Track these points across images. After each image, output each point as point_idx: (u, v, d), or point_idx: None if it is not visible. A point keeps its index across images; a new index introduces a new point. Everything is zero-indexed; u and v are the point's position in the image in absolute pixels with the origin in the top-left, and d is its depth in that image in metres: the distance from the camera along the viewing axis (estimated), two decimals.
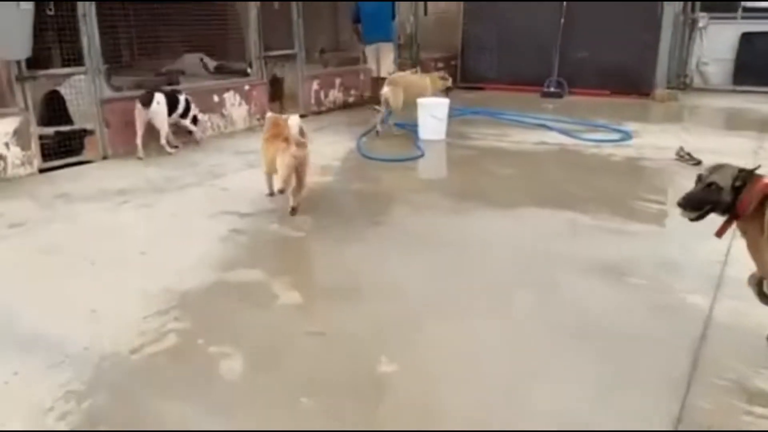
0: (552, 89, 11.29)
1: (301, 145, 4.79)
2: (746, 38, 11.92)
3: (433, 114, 7.78)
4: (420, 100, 7.96)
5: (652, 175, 6.31)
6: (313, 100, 9.73)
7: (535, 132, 8.33)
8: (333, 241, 4.49)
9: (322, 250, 4.41)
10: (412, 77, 8.71)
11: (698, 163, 6.50)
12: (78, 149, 6.71)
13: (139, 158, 6.81)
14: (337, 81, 10.19)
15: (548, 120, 8.98)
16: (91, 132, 6.78)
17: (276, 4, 8.80)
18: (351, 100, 10.56)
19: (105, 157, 6.79)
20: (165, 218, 4.94)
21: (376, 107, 9.52)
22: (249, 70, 8.80)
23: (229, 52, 10.59)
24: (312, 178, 5.36)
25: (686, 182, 3.19)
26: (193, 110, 7.55)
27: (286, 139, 4.76)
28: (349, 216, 5.04)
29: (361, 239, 4.52)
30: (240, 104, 8.38)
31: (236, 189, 5.75)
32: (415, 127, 8.05)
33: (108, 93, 6.88)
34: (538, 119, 9.07)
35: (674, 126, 8.71)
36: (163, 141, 7.07)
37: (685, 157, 6.65)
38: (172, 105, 7.15)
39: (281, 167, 4.78)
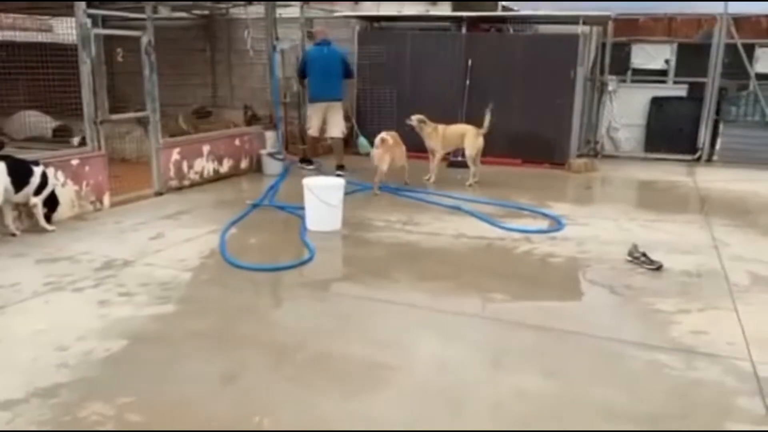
0: (460, 158, 9.88)
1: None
2: (656, 103, 11.23)
3: (324, 199, 6.04)
4: (306, 181, 6.21)
5: (613, 294, 4.83)
6: (172, 173, 7.72)
7: (449, 217, 6.77)
8: None
9: None
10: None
11: (658, 267, 5.14)
12: None
13: None
14: (206, 149, 8.26)
15: (462, 199, 7.51)
16: None
17: (119, 56, 6.84)
18: (224, 170, 8.64)
19: None
20: None
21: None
22: None
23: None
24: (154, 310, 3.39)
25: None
26: (50, 186, 5.86)
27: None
28: (183, 412, 3.09)
29: None
30: (64, 184, 6.24)
31: (14, 339, 3.66)
32: (299, 210, 6.29)
33: None
34: (450, 197, 7.59)
35: (606, 207, 7.47)
36: None
37: (640, 259, 5.27)
38: (21, 178, 5.57)
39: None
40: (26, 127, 9.29)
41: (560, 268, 5.21)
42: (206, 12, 12.49)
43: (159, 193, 7.52)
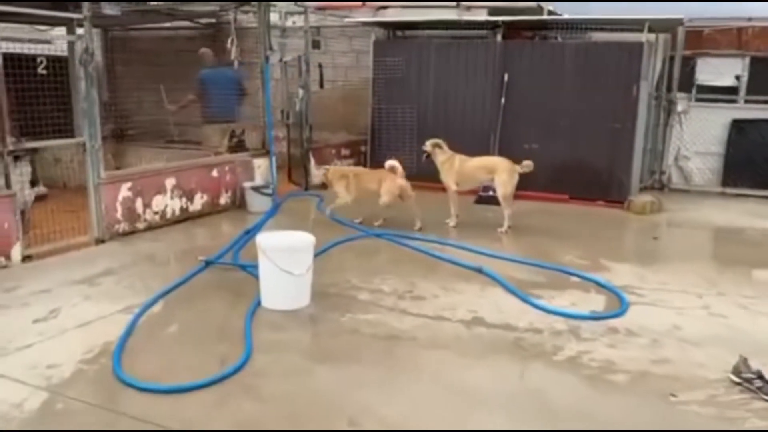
0: (491, 192, 8.00)
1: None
2: (737, 127, 9.13)
3: (284, 266, 4.28)
4: (261, 239, 4.47)
5: None
6: (120, 214, 6.11)
7: (465, 285, 4.94)
8: None
9: None
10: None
11: None
12: None
13: None
14: (169, 182, 6.64)
15: (486, 255, 5.68)
16: None
17: (41, 66, 5.32)
18: (196, 209, 7.01)
19: None
20: None
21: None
22: None
23: None
24: None
25: None
26: None
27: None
28: None
29: None
30: None
31: None
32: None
33: None
34: (472, 251, 5.78)
35: (684, 271, 5.47)
36: None
37: (754, 384, 3.34)
38: None
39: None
40: None
41: (624, 401, 3.29)
42: (213, 20, 11.06)
43: (100, 241, 5.92)
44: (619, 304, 4.56)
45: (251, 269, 5.02)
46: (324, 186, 7.18)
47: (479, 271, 5.23)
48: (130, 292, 4.61)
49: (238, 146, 7.91)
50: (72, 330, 3.93)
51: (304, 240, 4.48)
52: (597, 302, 4.65)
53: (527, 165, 6.59)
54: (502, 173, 6.62)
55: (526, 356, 3.76)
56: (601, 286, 4.94)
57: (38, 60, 5.35)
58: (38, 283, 4.72)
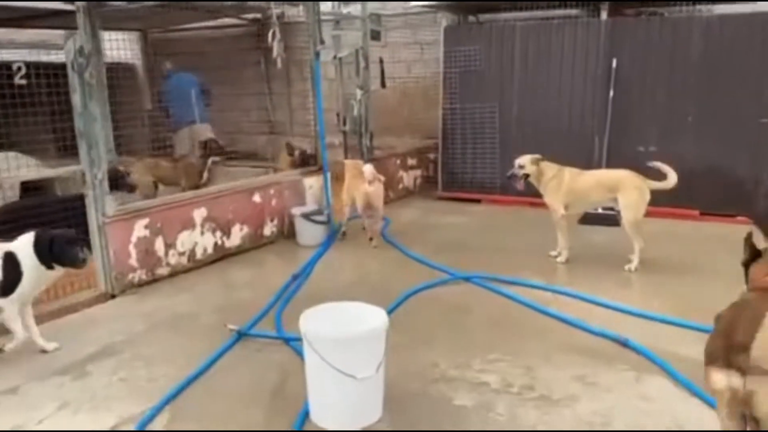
0: (600, 209, 6.33)
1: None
2: None
3: (341, 366, 2.79)
4: (308, 323, 2.97)
5: None
6: (135, 259, 4.77)
7: (609, 372, 3.34)
8: None
9: None
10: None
11: None
12: None
13: None
14: (198, 214, 5.28)
15: (619, 311, 4.08)
16: None
17: (17, 77, 4.03)
18: (235, 244, 5.64)
19: None
20: None
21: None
22: None
23: None
24: None
25: None
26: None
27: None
28: None
29: None
30: None
31: None
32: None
33: None
34: (593, 303, 4.19)
35: None
36: None
37: None
38: None
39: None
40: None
41: None
42: (258, 16, 9.81)
43: (110, 296, 4.61)
44: None
45: (296, 345, 3.56)
46: None
47: (624, 344, 3.62)
48: (126, 392, 3.22)
49: (303, 161, 6.58)
50: None
51: (371, 321, 2.96)
52: None
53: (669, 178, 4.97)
54: (629, 192, 4.95)
55: None
56: None
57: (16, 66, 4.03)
58: (4, 377, 3.39)
